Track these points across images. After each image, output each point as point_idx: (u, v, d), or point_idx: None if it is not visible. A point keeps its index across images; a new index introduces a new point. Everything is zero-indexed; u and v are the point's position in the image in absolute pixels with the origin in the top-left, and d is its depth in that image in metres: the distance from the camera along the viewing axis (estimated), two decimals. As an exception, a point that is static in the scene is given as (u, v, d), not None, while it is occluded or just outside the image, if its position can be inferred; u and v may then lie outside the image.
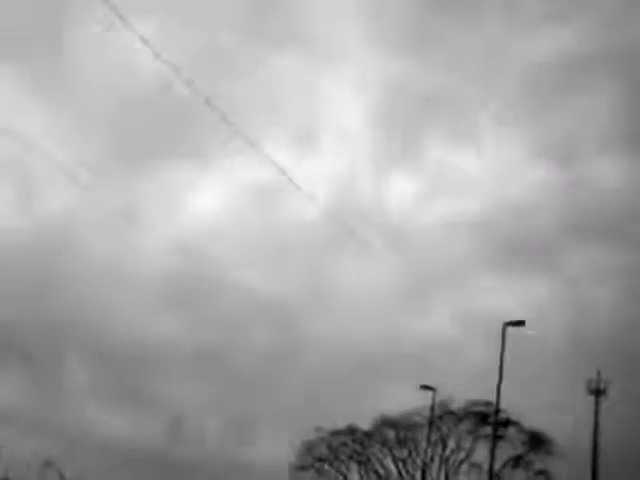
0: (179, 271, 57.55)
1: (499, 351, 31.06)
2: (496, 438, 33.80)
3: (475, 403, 40.14)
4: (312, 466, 40.30)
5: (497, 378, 30.43)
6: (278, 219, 62.27)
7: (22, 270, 52.46)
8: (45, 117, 57.48)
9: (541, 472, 41.46)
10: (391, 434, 40.22)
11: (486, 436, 41.44)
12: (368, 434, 40.37)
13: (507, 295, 53.73)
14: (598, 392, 39.80)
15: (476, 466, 40.48)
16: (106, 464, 40.51)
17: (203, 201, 63.97)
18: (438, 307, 54.41)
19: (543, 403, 40.28)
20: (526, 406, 38.13)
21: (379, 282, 54.35)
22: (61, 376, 51.62)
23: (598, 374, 40.05)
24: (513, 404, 35.70)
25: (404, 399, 39.56)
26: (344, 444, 40.56)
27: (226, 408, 48.71)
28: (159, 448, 42.66)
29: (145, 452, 42.17)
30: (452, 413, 40.31)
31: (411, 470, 40.33)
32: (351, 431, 40.45)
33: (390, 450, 40.27)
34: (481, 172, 68.61)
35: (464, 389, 39.09)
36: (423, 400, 39.70)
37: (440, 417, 39.98)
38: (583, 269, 60.03)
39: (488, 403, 40.43)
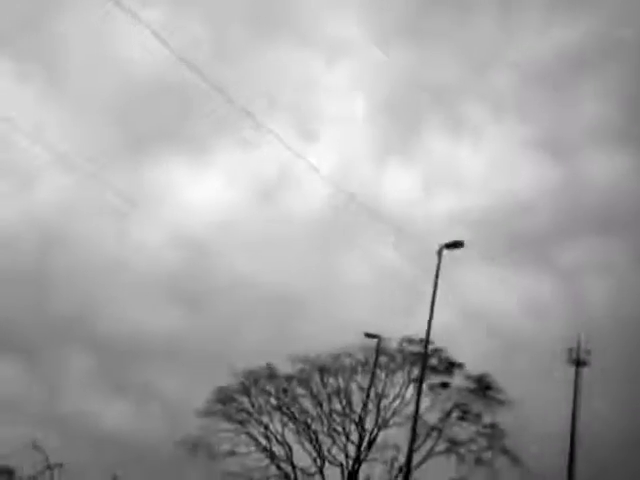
0: (181, 264, 56.54)
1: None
2: (424, 370, 29.06)
3: (410, 341, 35.44)
4: (224, 413, 35.35)
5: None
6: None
7: (20, 262, 52.25)
8: (42, 107, 57.08)
9: (491, 426, 36.88)
10: (317, 378, 35.48)
11: (430, 387, 36.98)
12: (290, 378, 35.54)
13: (502, 288, 52.54)
14: (578, 362, 38.14)
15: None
16: (106, 457, 39.44)
17: (205, 193, 62.99)
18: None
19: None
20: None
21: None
22: (60, 368, 50.85)
23: (578, 343, 38.51)
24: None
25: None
26: (264, 390, 35.73)
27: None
28: (160, 442, 39.72)
29: (146, 445, 40.65)
30: (387, 355, 35.46)
31: (344, 421, 35.61)
32: (270, 374, 35.62)
33: (316, 397, 35.52)
34: (478, 165, 67.96)
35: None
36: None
37: (375, 362, 35.19)
38: (578, 263, 59.66)
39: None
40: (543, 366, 39.71)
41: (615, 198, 61.28)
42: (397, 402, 35.97)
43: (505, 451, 35.62)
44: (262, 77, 58.81)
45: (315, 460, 34.99)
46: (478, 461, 35.69)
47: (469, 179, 67.55)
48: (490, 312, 46.34)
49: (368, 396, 35.41)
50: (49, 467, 36.47)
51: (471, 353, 39.02)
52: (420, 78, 67.38)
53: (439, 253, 28.54)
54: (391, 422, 35.54)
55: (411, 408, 35.59)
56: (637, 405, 40.15)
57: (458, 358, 36.33)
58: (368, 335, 34.80)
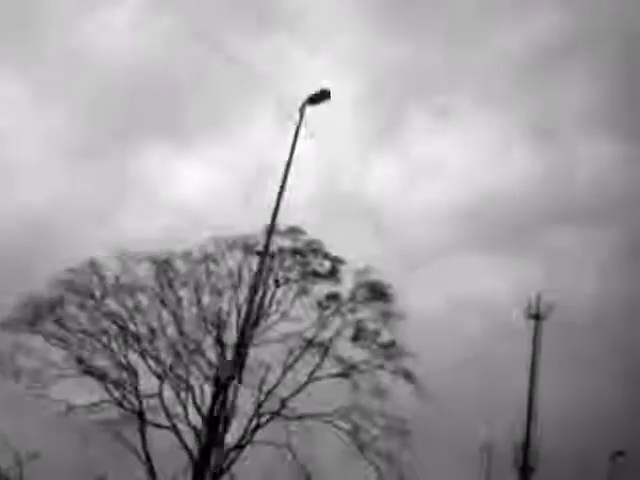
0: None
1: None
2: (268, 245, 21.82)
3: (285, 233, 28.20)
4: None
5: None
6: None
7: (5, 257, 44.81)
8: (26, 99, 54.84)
9: (389, 345, 29.80)
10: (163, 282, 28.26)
11: (319, 302, 29.92)
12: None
13: (489, 278, 51.16)
14: (537, 317, 38.15)
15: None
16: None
17: (186, 187, 57.79)
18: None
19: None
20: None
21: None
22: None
23: (537, 298, 38.37)
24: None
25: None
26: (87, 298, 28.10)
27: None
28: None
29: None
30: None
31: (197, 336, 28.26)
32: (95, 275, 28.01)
33: (165, 306, 28.22)
34: (464, 154, 65.22)
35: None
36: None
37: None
38: (564, 252, 56.87)
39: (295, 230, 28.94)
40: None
41: (603, 186, 60.05)
42: (275, 316, 28.86)
43: (406, 374, 28.74)
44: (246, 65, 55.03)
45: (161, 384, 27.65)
46: (376, 391, 28.74)
47: (455, 168, 65.38)
48: (481, 298, 46.36)
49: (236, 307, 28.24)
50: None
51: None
52: (404, 66, 65.94)
53: (301, 111, 21.39)
54: (260, 339, 28.23)
55: (291, 325, 29.31)
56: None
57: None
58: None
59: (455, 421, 33.90)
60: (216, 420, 25.58)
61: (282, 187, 20.76)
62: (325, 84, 21.59)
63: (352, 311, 29.39)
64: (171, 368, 27.63)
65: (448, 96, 64.99)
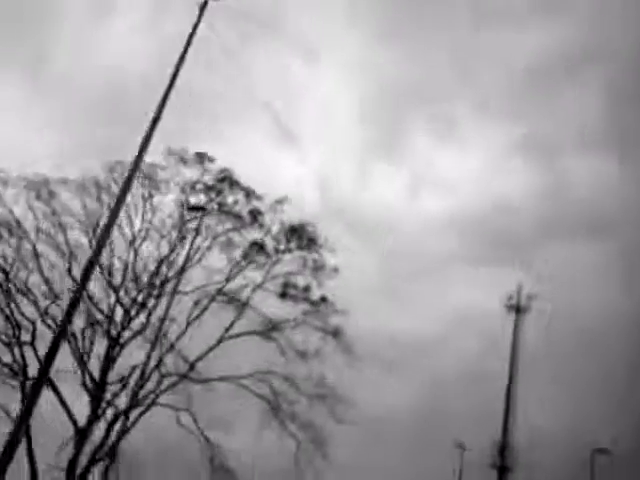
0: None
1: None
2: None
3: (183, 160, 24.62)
4: None
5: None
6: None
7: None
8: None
9: (319, 301, 25.93)
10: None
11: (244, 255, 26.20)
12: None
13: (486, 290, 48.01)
14: (518, 309, 36.56)
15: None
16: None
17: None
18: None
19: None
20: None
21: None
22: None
23: (518, 289, 36.93)
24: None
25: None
26: None
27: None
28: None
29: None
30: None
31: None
32: None
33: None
34: (464, 167, 65.79)
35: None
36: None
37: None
38: (560, 266, 54.01)
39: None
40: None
41: (600, 202, 59.10)
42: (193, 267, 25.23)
43: (335, 332, 24.99)
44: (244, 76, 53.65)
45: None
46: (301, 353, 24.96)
47: (455, 181, 66.50)
48: (475, 312, 43.84)
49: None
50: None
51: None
52: (407, 79, 65.93)
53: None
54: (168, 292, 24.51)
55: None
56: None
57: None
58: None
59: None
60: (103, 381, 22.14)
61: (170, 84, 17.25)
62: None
63: (278, 262, 25.74)
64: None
65: (450, 108, 65.47)
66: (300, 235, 25.53)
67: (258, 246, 25.75)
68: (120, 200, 16.06)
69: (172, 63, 17.03)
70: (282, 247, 25.79)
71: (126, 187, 16.12)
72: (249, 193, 25.13)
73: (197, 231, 24.99)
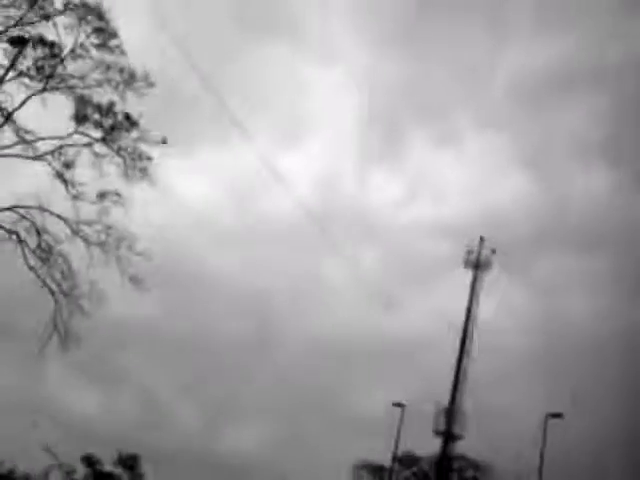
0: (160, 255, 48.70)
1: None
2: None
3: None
4: None
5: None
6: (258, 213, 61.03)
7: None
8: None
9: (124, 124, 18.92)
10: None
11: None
12: None
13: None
14: (477, 265, 35.56)
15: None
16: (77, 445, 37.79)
17: (187, 190, 58.28)
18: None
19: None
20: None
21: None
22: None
23: (479, 247, 35.79)
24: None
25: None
26: None
27: (202, 395, 48.73)
28: (131, 431, 40.97)
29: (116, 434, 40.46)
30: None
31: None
32: None
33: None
34: (461, 176, 68.13)
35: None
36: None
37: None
38: (556, 276, 59.17)
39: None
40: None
41: (595, 214, 60.51)
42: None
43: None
44: (251, 80, 57.92)
45: None
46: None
47: (452, 189, 67.35)
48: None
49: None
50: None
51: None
52: (409, 88, 68.01)
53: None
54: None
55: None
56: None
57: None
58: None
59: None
60: None
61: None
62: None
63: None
64: None
65: (449, 118, 68.15)
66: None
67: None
68: None
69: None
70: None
71: None
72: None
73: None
